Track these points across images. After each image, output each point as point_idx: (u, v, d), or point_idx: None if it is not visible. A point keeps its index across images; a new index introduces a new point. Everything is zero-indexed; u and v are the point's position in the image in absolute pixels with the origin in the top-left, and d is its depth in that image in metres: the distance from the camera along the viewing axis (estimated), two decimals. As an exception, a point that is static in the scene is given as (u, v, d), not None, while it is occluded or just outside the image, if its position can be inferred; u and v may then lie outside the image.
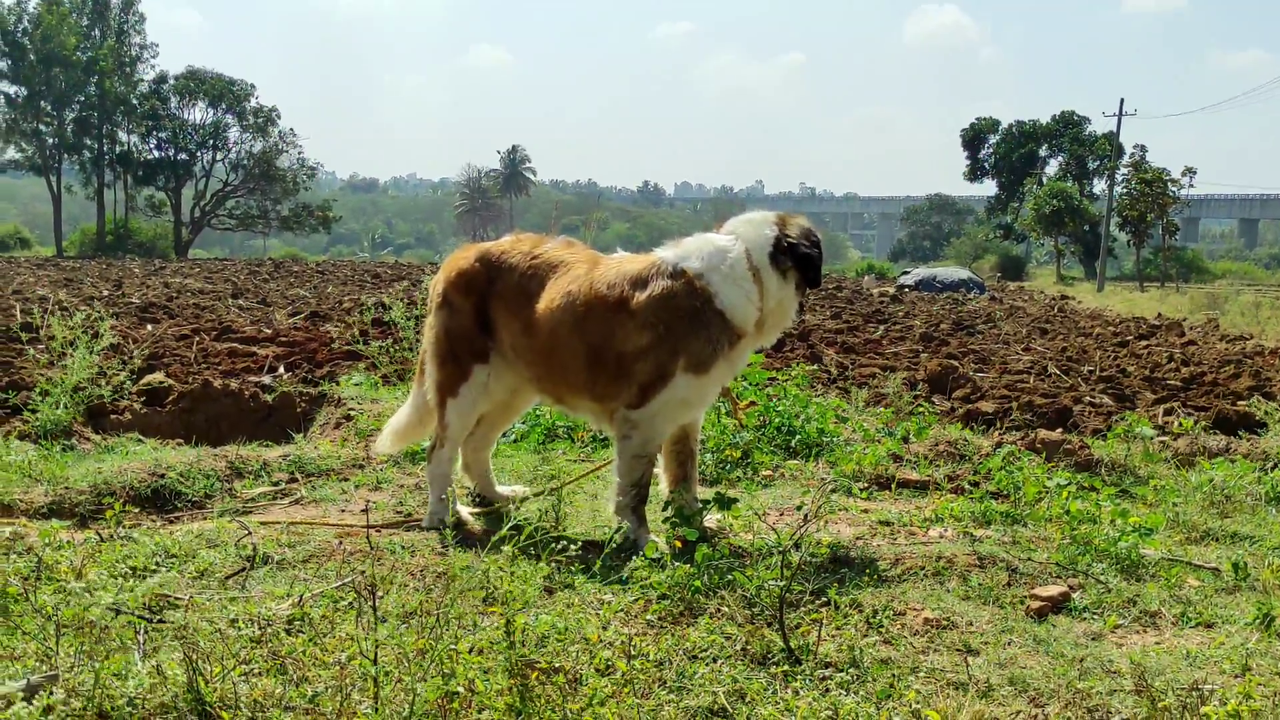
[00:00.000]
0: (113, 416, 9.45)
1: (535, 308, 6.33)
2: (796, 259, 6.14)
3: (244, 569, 5.43)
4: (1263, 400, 11.62)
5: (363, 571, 5.29)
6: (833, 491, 7.49)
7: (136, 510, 6.75)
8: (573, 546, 5.47)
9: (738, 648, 4.59)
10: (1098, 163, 76.60)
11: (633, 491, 6.18)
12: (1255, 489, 7.64)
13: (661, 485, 6.60)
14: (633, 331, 6.03)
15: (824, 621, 4.90)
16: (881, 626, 4.93)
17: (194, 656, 3.78)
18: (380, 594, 4.91)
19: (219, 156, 75.62)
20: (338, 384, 11.48)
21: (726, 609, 4.95)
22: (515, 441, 8.93)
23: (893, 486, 7.81)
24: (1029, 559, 5.94)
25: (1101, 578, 5.74)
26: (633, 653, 4.22)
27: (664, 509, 6.25)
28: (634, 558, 5.48)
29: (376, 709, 3.64)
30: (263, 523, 6.37)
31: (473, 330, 6.56)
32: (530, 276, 6.45)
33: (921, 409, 10.92)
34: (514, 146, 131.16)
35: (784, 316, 6.35)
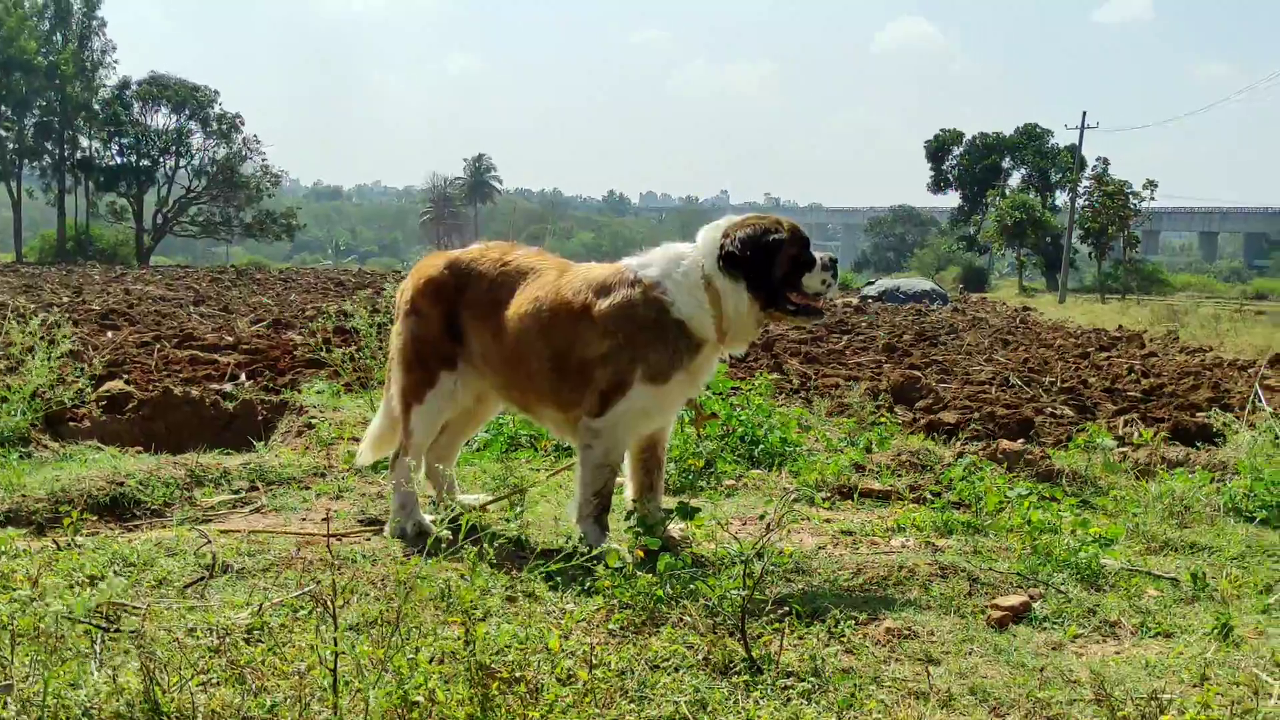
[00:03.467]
0: (71, 424, 9.36)
1: (504, 314, 6.33)
2: (726, 261, 5.99)
3: (203, 578, 5.39)
4: (1221, 412, 11.71)
5: (323, 580, 5.25)
6: (795, 501, 7.50)
7: (95, 518, 6.67)
8: (534, 555, 5.48)
9: (700, 657, 4.58)
10: (1060, 175, 77.31)
11: (595, 501, 6.18)
12: (1214, 500, 7.69)
13: (627, 493, 6.59)
14: (594, 338, 6.04)
15: (786, 631, 4.90)
16: (843, 636, 4.94)
17: (151, 666, 3.75)
18: (340, 603, 4.88)
19: (182, 163, 75.19)
20: (300, 392, 11.42)
21: (689, 618, 4.94)
22: (478, 450, 8.91)
23: (855, 496, 7.83)
24: (990, 569, 5.96)
25: (1062, 588, 5.77)
26: (594, 662, 4.21)
27: (626, 518, 6.24)
28: (596, 567, 5.46)
29: (335, 719, 3.62)
30: (223, 531, 6.32)
31: (441, 337, 6.54)
32: (500, 284, 6.44)
33: (884, 419, 10.96)
34: (479, 154, 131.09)
35: (745, 323, 6.13)
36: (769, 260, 5.99)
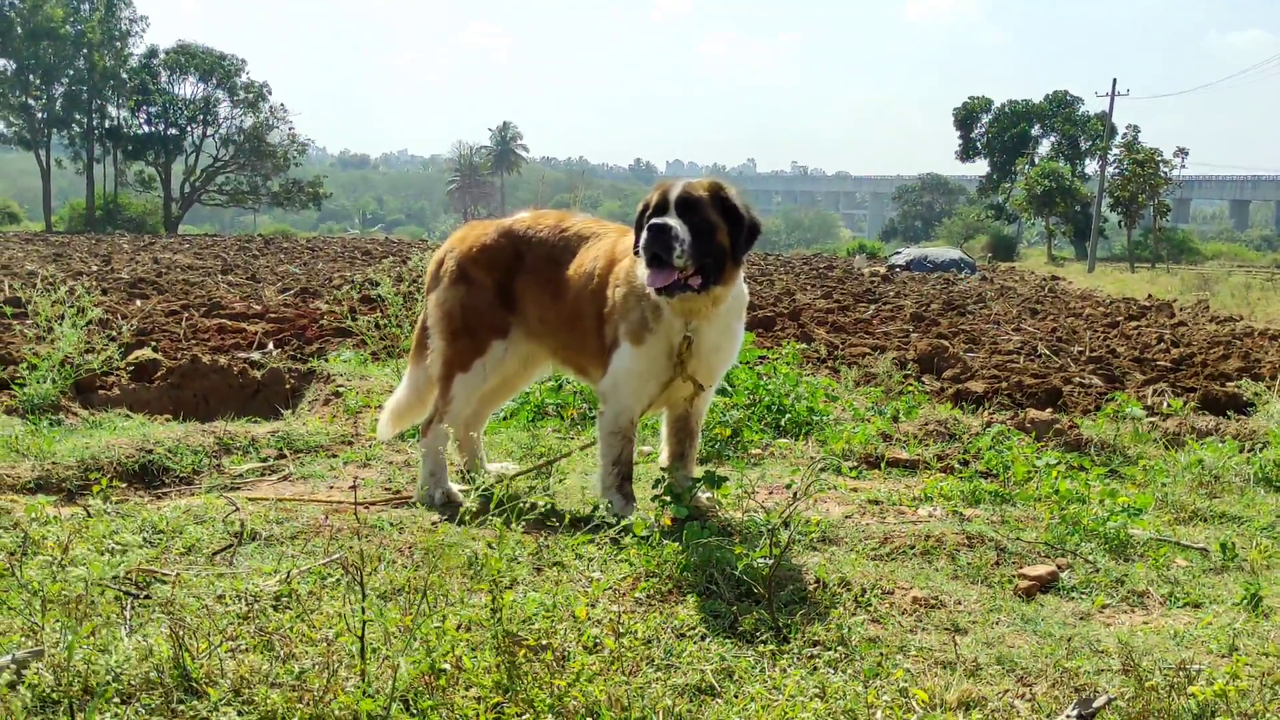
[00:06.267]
0: (101, 391, 9.41)
1: (564, 276, 6.36)
2: None
3: (231, 545, 5.41)
4: (1251, 381, 11.64)
5: (350, 548, 5.27)
6: (822, 470, 7.49)
7: (124, 486, 6.70)
8: (561, 525, 5.49)
9: (726, 625, 4.59)
10: (1090, 143, 76.78)
11: (614, 470, 6.18)
12: (1243, 470, 7.65)
13: (661, 458, 6.67)
14: (610, 297, 6.07)
15: (812, 600, 4.90)
16: (870, 605, 4.93)
17: (180, 632, 3.77)
18: (368, 571, 4.89)
19: (209, 132, 75.45)
20: (327, 360, 11.45)
21: (715, 587, 4.95)
22: (504, 419, 8.91)
23: (882, 465, 7.81)
24: (1018, 538, 5.94)
25: (1090, 557, 5.75)
26: (621, 630, 4.22)
27: (653, 486, 6.24)
28: (623, 536, 5.47)
29: (363, 686, 3.63)
30: (251, 499, 6.34)
31: (494, 305, 6.54)
32: (562, 248, 6.47)
33: (911, 388, 10.94)
34: (505, 123, 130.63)
35: None
36: (637, 231, 5.84)
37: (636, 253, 5.79)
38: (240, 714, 3.56)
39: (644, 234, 5.63)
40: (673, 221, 5.62)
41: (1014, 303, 28.08)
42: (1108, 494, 6.54)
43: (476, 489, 5.33)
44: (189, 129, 74.92)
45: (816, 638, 4.49)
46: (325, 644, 3.84)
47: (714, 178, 5.98)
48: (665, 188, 5.83)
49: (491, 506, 4.58)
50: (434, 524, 5.87)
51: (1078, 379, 13.73)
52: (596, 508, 6.10)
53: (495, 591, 3.97)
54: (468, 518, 4.38)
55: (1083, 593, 5.31)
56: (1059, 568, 5.55)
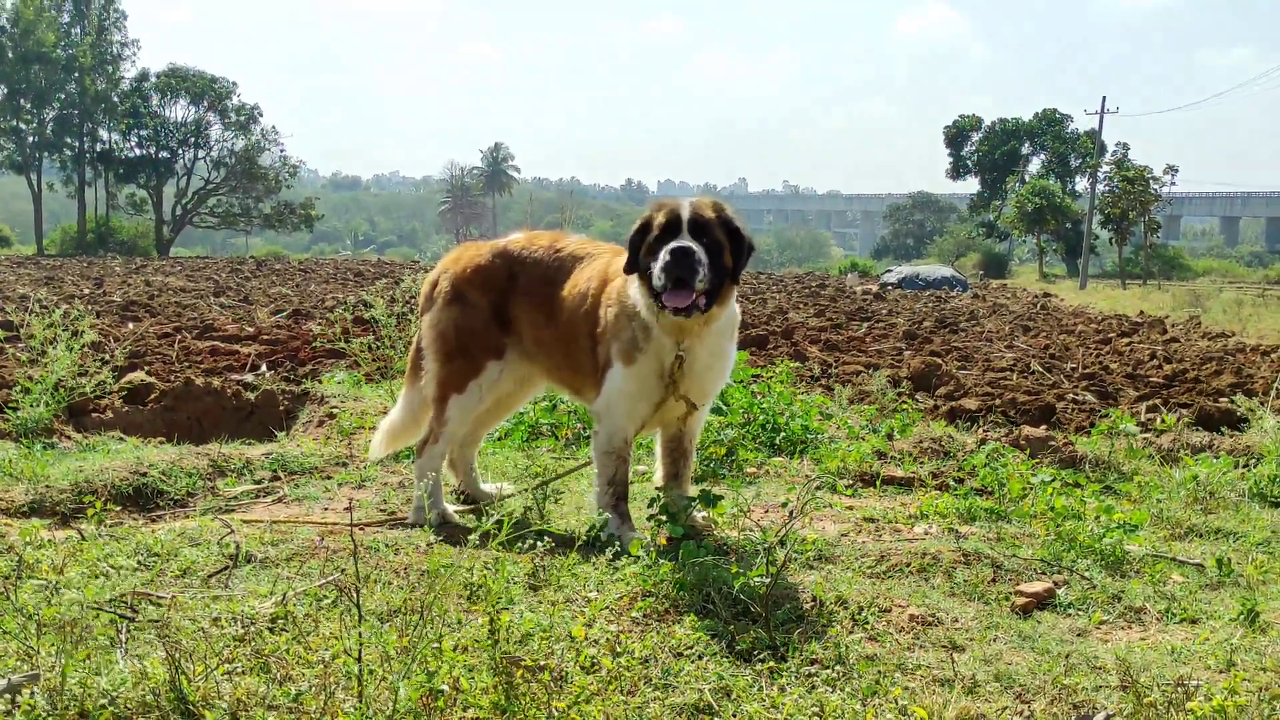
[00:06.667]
0: (94, 415, 9.40)
1: (558, 297, 6.36)
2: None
3: (227, 567, 5.40)
4: (1244, 397, 11.64)
5: (346, 569, 5.26)
6: (817, 488, 7.49)
7: (118, 509, 6.70)
8: (558, 544, 5.48)
9: (723, 645, 4.58)
10: (1080, 160, 77.04)
11: (610, 489, 6.18)
12: (1238, 485, 7.66)
13: (655, 478, 6.65)
14: (602, 317, 6.07)
15: (809, 618, 4.89)
16: (867, 623, 4.92)
17: (176, 655, 3.76)
18: (364, 592, 4.88)
19: (201, 154, 75.42)
20: (320, 382, 11.45)
21: (712, 606, 4.94)
22: (499, 439, 8.91)
23: (877, 483, 7.81)
24: (1014, 555, 5.94)
25: (1086, 574, 5.75)
26: (618, 650, 4.21)
27: (649, 505, 6.23)
28: (620, 557, 5.46)
29: (360, 708, 3.62)
30: (245, 521, 6.33)
31: (489, 326, 6.54)
32: (556, 268, 6.47)
33: (905, 406, 10.94)
34: (497, 144, 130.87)
35: (656, 313, 5.86)
36: (633, 250, 5.86)
37: (630, 272, 5.81)
38: (237, 737, 3.55)
39: (666, 257, 5.58)
40: (693, 245, 5.62)
41: (1006, 320, 28.13)
42: (1103, 510, 6.55)
43: (472, 510, 5.34)
44: (180, 152, 74.87)
45: (814, 656, 4.49)
46: (322, 666, 3.83)
47: (715, 198, 6.00)
48: (673, 208, 5.81)
49: (502, 534, 4.57)
50: (430, 545, 5.86)
51: (1071, 396, 13.73)
52: (592, 527, 6.12)
53: (492, 612, 3.97)
54: (464, 538, 4.37)
55: (1079, 609, 5.31)
56: (1055, 584, 5.55)
